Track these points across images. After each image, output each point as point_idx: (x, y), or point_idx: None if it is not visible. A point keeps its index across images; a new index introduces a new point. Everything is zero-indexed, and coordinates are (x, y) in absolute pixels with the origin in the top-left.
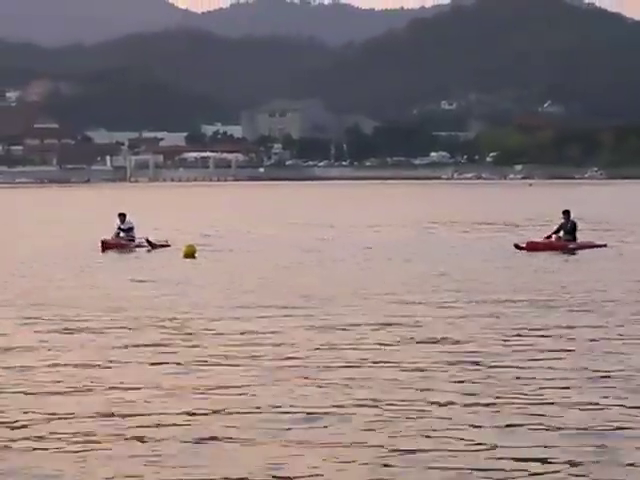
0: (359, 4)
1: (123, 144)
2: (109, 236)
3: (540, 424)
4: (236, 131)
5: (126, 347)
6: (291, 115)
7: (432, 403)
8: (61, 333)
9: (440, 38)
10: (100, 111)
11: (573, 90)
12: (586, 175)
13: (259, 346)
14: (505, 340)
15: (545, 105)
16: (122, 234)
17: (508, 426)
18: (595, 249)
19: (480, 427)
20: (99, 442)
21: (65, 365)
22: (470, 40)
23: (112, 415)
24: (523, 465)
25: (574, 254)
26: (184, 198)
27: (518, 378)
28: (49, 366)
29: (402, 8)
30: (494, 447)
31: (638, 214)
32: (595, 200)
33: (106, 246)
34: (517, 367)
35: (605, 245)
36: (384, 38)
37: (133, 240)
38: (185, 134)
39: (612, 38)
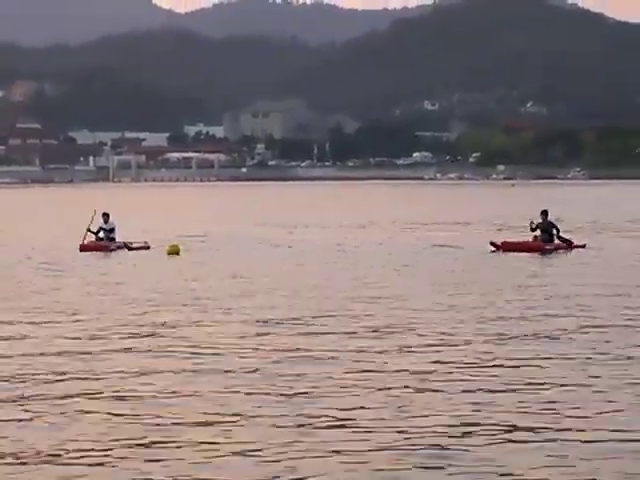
0: (342, 4)
1: (106, 144)
2: (90, 236)
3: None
4: (218, 131)
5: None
6: (274, 115)
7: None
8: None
9: (423, 38)
10: (83, 111)
11: (556, 91)
12: (569, 175)
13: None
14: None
15: (527, 105)
16: (102, 234)
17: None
18: (574, 250)
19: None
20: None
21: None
22: (453, 41)
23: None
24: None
25: (550, 255)
26: (166, 198)
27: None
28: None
29: (385, 8)
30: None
31: (619, 214)
32: (577, 200)
33: (84, 247)
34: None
35: (584, 246)
36: (367, 38)
37: (114, 241)
38: (167, 134)
39: (594, 38)
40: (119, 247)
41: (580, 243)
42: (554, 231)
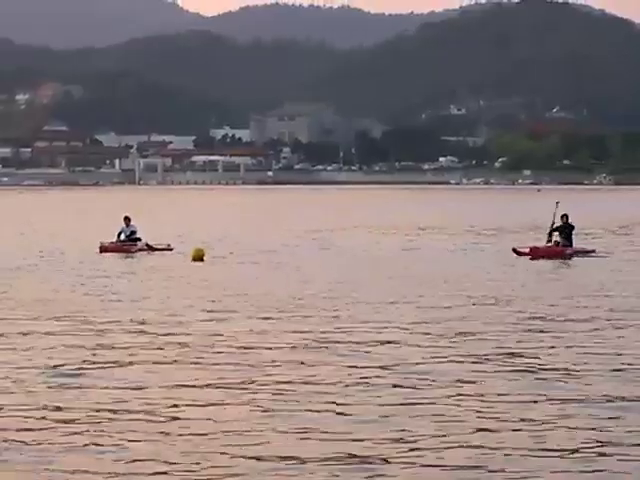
0: (369, 8)
1: (132, 147)
2: (112, 239)
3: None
4: (245, 135)
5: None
6: (300, 119)
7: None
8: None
9: (449, 43)
10: (109, 114)
11: (582, 96)
12: (594, 181)
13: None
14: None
15: (554, 110)
16: (123, 236)
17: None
18: (586, 255)
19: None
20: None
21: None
22: (479, 45)
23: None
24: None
25: (570, 260)
26: (192, 201)
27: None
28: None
29: (412, 13)
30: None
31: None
32: (602, 206)
33: (105, 249)
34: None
35: (593, 251)
36: (394, 42)
37: (135, 244)
38: (194, 137)
39: (622, 44)
40: (142, 249)
41: (590, 248)
42: (573, 235)
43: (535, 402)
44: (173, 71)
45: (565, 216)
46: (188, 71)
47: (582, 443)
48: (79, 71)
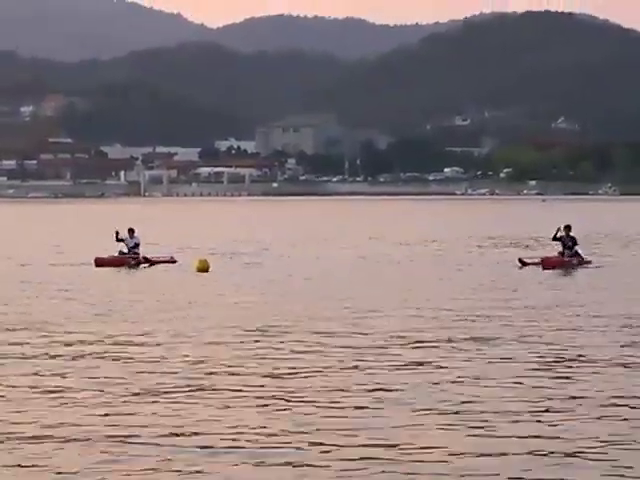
0: (373, 19)
1: (137, 159)
2: (114, 250)
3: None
4: (250, 146)
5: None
6: (305, 130)
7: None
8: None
9: (454, 54)
10: (114, 126)
11: (587, 106)
12: (600, 192)
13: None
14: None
15: (558, 121)
16: (125, 249)
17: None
18: (584, 265)
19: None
20: None
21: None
22: (484, 56)
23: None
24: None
25: (575, 270)
26: (197, 213)
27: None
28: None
29: (416, 24)
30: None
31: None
32: (607, 216)
33: (100, 262)
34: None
35: (590, 262)
36: (398, 53)
37: (137, 256)
38: (199, 149)
39: (626, 54)
40: (140, 262)
41: (587, 259)
42: (576, 247)
43: None
44: (178, 83)
45: (568, 227)
46: (193, 83)
47: None
48: (84, 83)
